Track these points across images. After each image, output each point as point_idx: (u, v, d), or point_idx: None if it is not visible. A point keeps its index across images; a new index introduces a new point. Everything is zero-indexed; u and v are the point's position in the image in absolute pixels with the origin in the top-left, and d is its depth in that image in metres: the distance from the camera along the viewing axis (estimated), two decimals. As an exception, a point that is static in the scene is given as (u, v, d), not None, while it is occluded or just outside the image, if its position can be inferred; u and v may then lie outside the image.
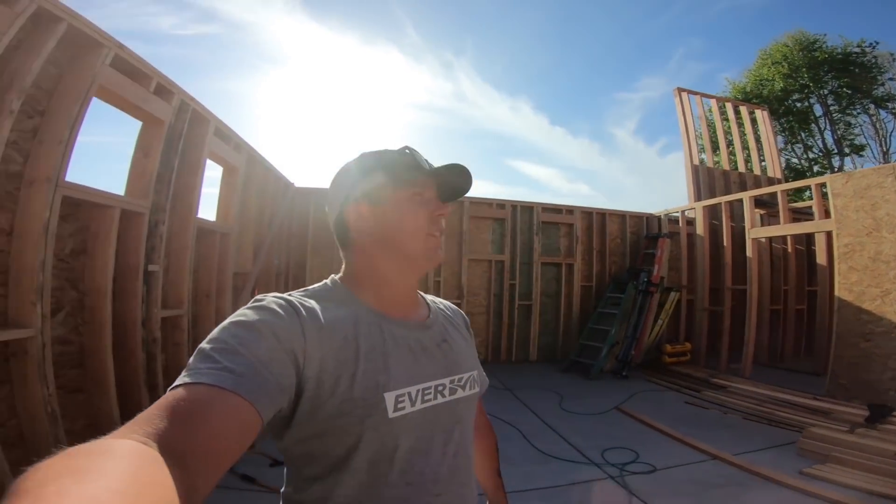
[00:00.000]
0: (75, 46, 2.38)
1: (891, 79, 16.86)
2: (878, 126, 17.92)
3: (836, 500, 2.52)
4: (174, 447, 0.38)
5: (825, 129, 18.41)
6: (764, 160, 9.44)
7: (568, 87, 57.13)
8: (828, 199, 4.94)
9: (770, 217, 6.96)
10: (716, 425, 3.96)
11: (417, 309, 0.76)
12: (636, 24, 44.60)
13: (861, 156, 18.10)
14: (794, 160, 19.19)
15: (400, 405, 0.61)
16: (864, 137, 18.15)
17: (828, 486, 2.68)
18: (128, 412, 2.58)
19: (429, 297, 0.83)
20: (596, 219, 7.28)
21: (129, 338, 2.71)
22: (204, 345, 0.52)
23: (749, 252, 5.98)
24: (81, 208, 2.53)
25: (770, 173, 9.16)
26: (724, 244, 6.47)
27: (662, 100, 44.01)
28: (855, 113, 17.98)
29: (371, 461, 0.59)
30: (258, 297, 0.61)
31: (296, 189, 5.79)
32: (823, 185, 5.18)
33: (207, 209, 3.67)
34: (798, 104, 18.48)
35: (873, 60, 16.86)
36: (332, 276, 0.74)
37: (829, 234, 5.21)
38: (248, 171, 4.28)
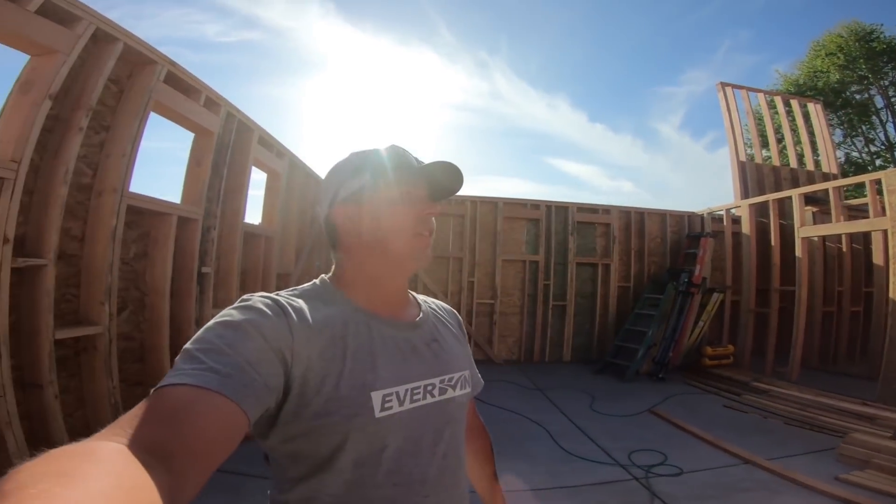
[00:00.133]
0: (131, 64, 2.59)
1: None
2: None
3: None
4: (157, 449, 0.38)
5: (887, 121, 17.14)
6: (818, 155, 8.90)
7: (606, 84, 55.83)
8: (883, 195, 4.64)
9: (823, 214, 6.56)
10: (753, 429, 3.82)
11: (407, 309, 0.75)
12: (673, 19, 43.00)
13: (927, 149, 16.80)
14: (855, 154, 17.99)
15: (387, 405, 0.60)
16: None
17: (862, 493, 2.57)
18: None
19: (420, 297, 0.82)
20: (634, 218, 7.10)
21: (184, 335, 2.91)
22: (189, 345, 0.51)
23: (798, 252, 5.68)
24: (143, 216, 2.75)
25: (825, 168, 8.63)
26: (773, 243, 6.18)
27: (708, 93, 42.05)
28: (919, 104, 16.69)
29: (357, 461, 0.58)
30: (244, 296, 0.60)
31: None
32: (878, 181, 4.87)
33: (251, 212, 3.88)
34: (857, 96, 17.33)
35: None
36: (322, 275, 0.73)
37: (884, 233, 4.90)
38: (290, 176, 4.47)
